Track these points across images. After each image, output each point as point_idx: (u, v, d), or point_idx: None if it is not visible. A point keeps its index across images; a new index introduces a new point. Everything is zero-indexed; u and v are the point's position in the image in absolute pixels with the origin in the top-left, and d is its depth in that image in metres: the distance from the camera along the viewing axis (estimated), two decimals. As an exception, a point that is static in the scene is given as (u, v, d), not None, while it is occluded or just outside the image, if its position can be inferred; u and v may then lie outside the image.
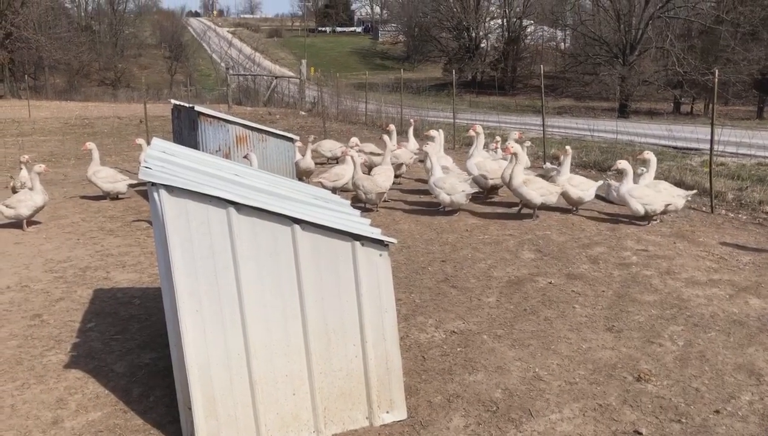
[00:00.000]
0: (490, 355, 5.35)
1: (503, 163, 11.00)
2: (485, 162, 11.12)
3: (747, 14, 43.02)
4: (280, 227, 3.94)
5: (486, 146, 12.70)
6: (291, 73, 50.60)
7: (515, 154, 9.45)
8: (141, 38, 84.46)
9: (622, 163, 9.50)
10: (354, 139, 12.76)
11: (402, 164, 13.14)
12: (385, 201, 11.21)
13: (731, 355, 5.30)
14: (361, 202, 10.56)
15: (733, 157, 15.50)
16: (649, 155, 9.90)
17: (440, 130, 13.37)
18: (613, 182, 10.54)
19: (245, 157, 10.12)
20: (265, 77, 45.45)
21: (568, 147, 10.30)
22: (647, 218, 9.40)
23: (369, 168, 12.65)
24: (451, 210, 10.32)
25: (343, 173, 11.13)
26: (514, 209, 10.48)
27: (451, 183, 9.94)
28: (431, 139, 12.75)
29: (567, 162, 10.09)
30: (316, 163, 13.29)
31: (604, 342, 5.57)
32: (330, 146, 15.61)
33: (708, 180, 10.94)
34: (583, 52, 53.76)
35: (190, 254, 3.85)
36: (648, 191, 9.35)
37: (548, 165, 11.71)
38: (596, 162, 14.30)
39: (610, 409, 4.51)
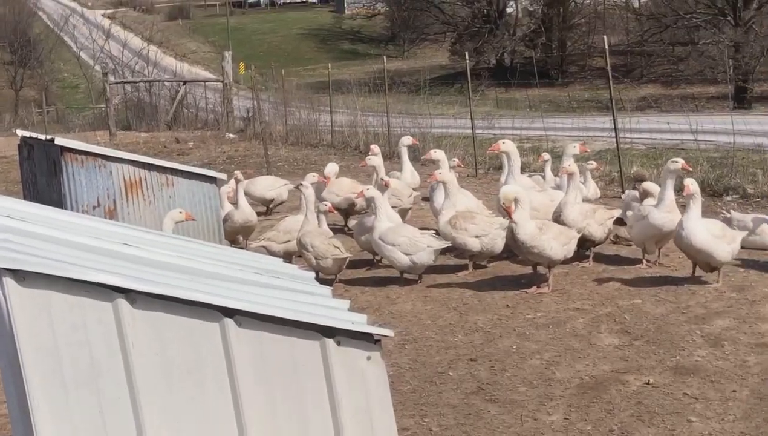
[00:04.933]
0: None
1: (555, 193, 8.51)
2: (528, 193, 7.96)
3: None
4: (202, 325, 2.88)
5: (527, 168, 9.96)
6: (209, 75, 43.17)
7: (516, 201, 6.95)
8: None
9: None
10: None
11: (408, 210, 9.72)
12: (378, 261, 8.48)
13: None
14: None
15: None
16: None
17: (455, 161, 10.58)
18: (736, 214, 8.05)
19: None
20: (166, 84, 34.26)
21: None
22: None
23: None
24: (412, 277, 7.79)
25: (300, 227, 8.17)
26: (585, 263, 8.01)
27: (408, 236, 7.43)
28: (434, 161, 9.31)
29: None
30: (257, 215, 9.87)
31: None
32: (270, 184, 11.55)
33: None
34: (671, 12, 38.48)
35: (59, 379, 2.84)
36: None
37: (631, 192, 8.89)
38: (705, 181, 10.52)
39: None
